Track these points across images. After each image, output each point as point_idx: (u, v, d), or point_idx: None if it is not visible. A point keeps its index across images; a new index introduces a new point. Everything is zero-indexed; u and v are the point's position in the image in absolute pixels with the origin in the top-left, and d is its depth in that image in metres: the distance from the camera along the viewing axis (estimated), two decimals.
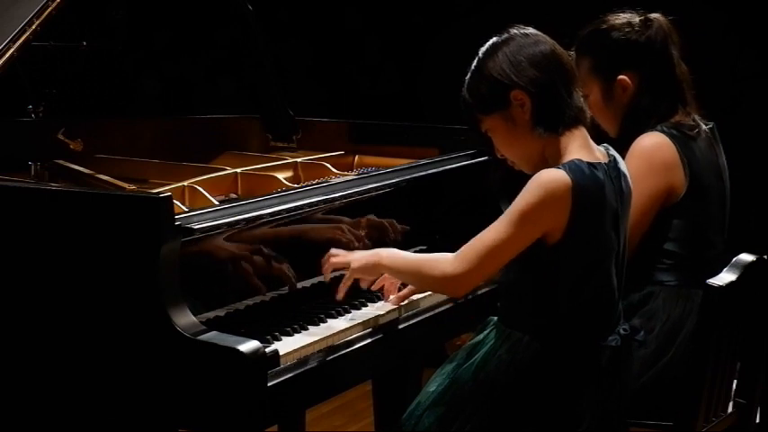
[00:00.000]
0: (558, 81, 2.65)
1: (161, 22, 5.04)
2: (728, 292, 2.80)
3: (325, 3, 5.61)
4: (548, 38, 2.70)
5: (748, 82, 4.84)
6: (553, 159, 2.66)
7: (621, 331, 2.70)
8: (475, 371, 2.71)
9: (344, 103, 5.45)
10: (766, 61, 4.82)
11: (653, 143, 3.11)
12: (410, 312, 2.99)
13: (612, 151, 2.74)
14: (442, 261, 2.68)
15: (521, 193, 2.59)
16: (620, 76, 3.18)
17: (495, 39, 2.71)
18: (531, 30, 2.71)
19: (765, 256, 2.95)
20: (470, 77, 2.71)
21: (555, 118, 2.65)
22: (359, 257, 2.82)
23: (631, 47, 3.16)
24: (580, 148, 2.65)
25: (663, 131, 3.13)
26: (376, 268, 2.81)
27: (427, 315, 3.03)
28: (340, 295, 2.84)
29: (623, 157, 2.98)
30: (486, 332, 2.78)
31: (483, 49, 2.71)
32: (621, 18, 3.21)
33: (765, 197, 4.75)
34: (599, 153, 2.70)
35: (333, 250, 2.86)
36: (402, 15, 5.52)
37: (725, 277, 2.82)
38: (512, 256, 2.62)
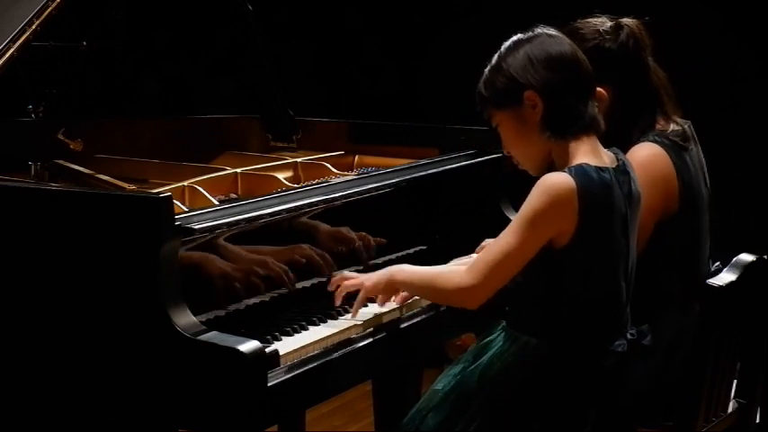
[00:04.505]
0: (574, 87, 2.64)
1: (161, 22, 5.04)
2: (728, 292, 2.80)
3: (326, 3, 5.61)
4: (572, 43, 2.69)
5: (748, 82, 4.84)
6: (560, 163, 2.65)
7: (629, 336, 2.69)
8: (481, 372, 2.71)
9: (344, 103, 5.45)
10: (766, 61, 4.82)
11: (649, 154, 3.01)
12: (411, 312, 2.99)
13: (621, 155, 2.73)
14: (456, 274, 2.68)
15: (527, 200, 2.59)
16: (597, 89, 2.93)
17: (519, 35, 2.69)
18: (555, 32, 2.69)
19: (765, 256, 2.95)
20: (489, 71, 2.70)
21: (565, 123, 2.64)
22: (371, 277, 2.82)
23: (602, 58, 2.94)
24: (588, 153, 2.63)
25: (655, 141, 3.03)
26: (390, 286, 2.82)
27: (427, 315, 3.02)
28: (351, 311, 2.84)
29: None
30: (494, 335, 2.77)
31: (506, 44, 2.69)
32: (591, 25, 3.06)
33: (765, 197, 4.75)
34: (607, 158, 2.68)
35: (345, 273, 2.88)
36: (402, 15, 5.52)
37: (725, 277, 2.83)
38: (523, 264, 2.60)
